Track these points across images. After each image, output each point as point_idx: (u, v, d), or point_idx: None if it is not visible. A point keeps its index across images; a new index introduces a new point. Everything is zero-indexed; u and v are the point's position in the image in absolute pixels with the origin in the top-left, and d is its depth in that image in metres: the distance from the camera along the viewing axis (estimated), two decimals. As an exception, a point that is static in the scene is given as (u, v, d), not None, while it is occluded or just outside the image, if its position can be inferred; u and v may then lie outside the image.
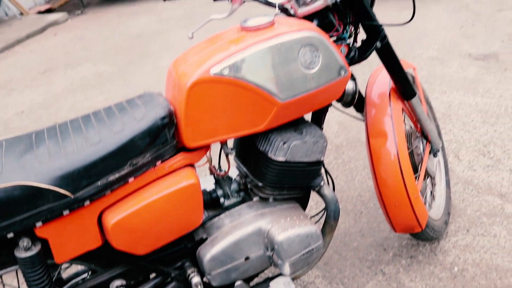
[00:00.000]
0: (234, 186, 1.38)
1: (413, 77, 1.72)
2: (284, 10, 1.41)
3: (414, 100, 1.60)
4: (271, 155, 1.25)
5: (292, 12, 1.41)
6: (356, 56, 1.45)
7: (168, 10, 6.15)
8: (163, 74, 4.13)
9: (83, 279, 1.33)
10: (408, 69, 1.68)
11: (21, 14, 7.11)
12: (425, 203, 1.82)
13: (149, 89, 3.89)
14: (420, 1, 4.74)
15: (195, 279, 1.27)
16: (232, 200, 1.36)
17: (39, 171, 0.98)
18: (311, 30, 1.24)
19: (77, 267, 1.66)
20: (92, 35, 5.68)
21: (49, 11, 7.30)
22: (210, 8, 5.87)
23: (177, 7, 6.23)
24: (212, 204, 1.37)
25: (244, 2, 1.44)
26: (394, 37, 4.03)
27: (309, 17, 1.40)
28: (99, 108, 1.22)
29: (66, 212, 1.02)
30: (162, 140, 1.14)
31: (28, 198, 0.96)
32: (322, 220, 1.74)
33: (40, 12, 7.20)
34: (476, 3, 4.44)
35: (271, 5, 1.40)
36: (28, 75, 4.75)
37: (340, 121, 2.88)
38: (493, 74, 3.17)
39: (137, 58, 4.64)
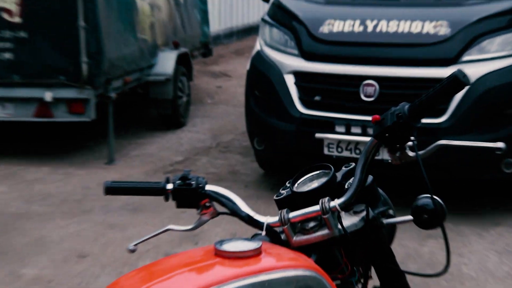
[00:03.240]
0: None
1: None
2: (272, 233, 1.72)
3: None
4: None
5: (283, 237, 1.73)
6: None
7: (46, 182, 6.34)
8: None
9: None
10: None
11: None
12: None
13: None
14: (453, 230, 4.96)
15: None
16: None
17: None
18: (308, 268, 1.55)
19: None
20: None
21: None
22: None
23: (61, 180, 6.41)
24: None
25: (218, 215, 1.80)
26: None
27: (306, 249, 1.70)
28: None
29: None
30: None
31: None
32: None
33: None
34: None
35: (257, 225, 1.74)
36: None
37: None
38: None
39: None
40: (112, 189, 1.88)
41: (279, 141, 5.56)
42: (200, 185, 1.80)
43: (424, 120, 6.12)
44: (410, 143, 1.67)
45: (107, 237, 5.01)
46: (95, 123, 7.62)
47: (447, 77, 1.56)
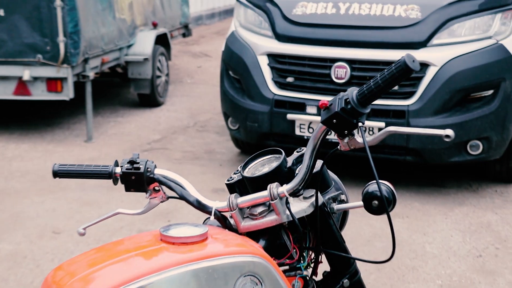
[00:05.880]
0: None
1: None
2: (221, 218, 1.77)
3: None
4: None
5: (232, 223, 1.77)
6: (314, 294, 1.80)
7: (25, 159, 6.47)
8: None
9: None
10: None
11: None
12: None
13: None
14: (420, 210, 5.29)
15: None
16: None
17: None
18: (256, 255, 1.57)
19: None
20: None
21: None
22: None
23: (40, 157, 6.58)
24: None
25: (168, 199, 1.84)
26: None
27: (254, 234, 1.75)
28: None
29: None
30: None
31: None
32: None
33: None
34: (504, 223, 4.96)
35: (205, 210, 1.77)
36: None
37: None
38: None
39: None
40: (60, 173, 1.89)
41: (252, 122, 5.68)
42: (149, 169, 1.81)
43: (394, 102, 6.19)
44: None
45: (82, 214, 5.11)
46: (76, 102, 7.70)
47: (396, 62, 1.58)
